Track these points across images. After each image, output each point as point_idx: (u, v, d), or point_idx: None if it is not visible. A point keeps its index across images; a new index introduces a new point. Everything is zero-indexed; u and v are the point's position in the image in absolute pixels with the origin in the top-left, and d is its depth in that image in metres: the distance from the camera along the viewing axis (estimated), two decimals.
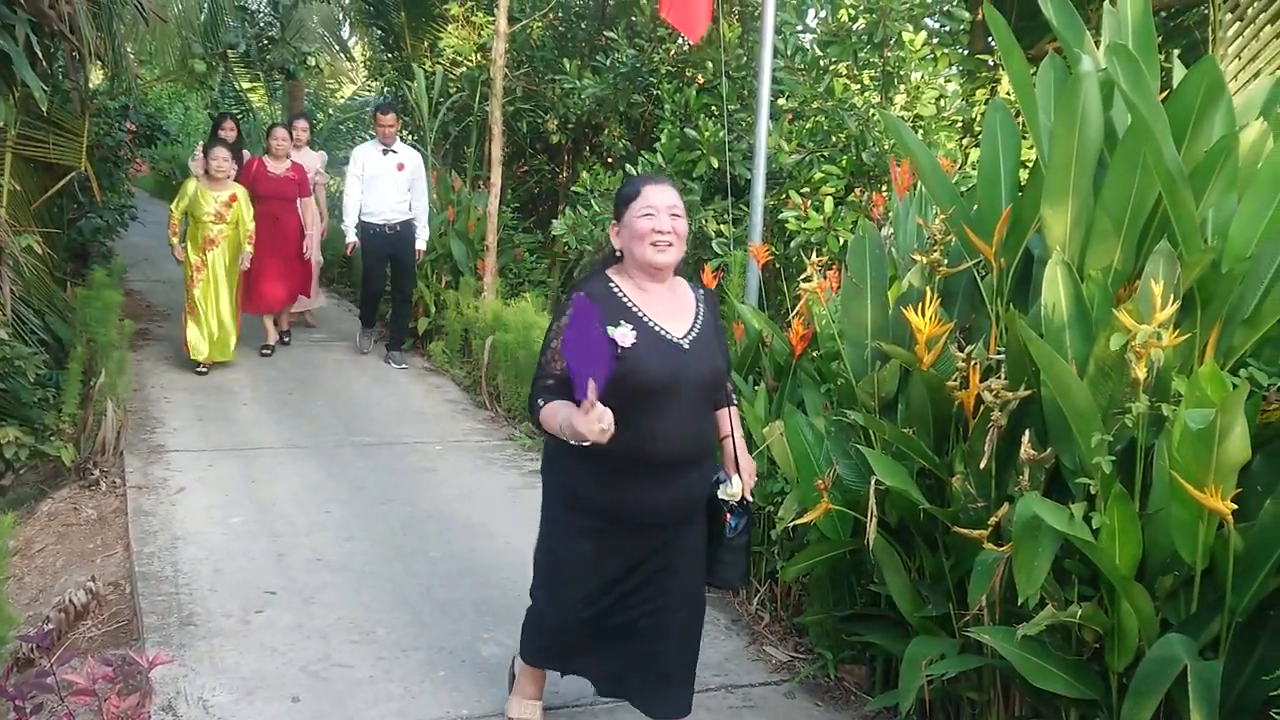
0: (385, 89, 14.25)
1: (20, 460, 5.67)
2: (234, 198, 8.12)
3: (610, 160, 10.28)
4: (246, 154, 9.53)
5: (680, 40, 8.98)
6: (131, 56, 11.05)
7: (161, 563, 4.78)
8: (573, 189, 9.08)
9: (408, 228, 8.84)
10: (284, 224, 8.85)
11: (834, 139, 7.34)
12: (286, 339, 9.34)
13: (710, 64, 8.56)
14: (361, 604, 4.52)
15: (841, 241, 6.47)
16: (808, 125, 7.45)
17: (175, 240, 8.16)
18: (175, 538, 5.05)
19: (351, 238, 8.78)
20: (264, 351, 8.92)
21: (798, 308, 4.45)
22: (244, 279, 8.45)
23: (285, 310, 9.33)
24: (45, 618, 4.37)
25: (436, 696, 3.84)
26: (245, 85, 19.21)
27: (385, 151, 8.72)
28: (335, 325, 10.38)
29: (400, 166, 8.73)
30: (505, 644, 4.25)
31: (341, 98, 19.70)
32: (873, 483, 3.38)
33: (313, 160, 9.63)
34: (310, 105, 16.86)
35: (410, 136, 11.88)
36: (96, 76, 11.28)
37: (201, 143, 9.47)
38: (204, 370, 8.13)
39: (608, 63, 9.36)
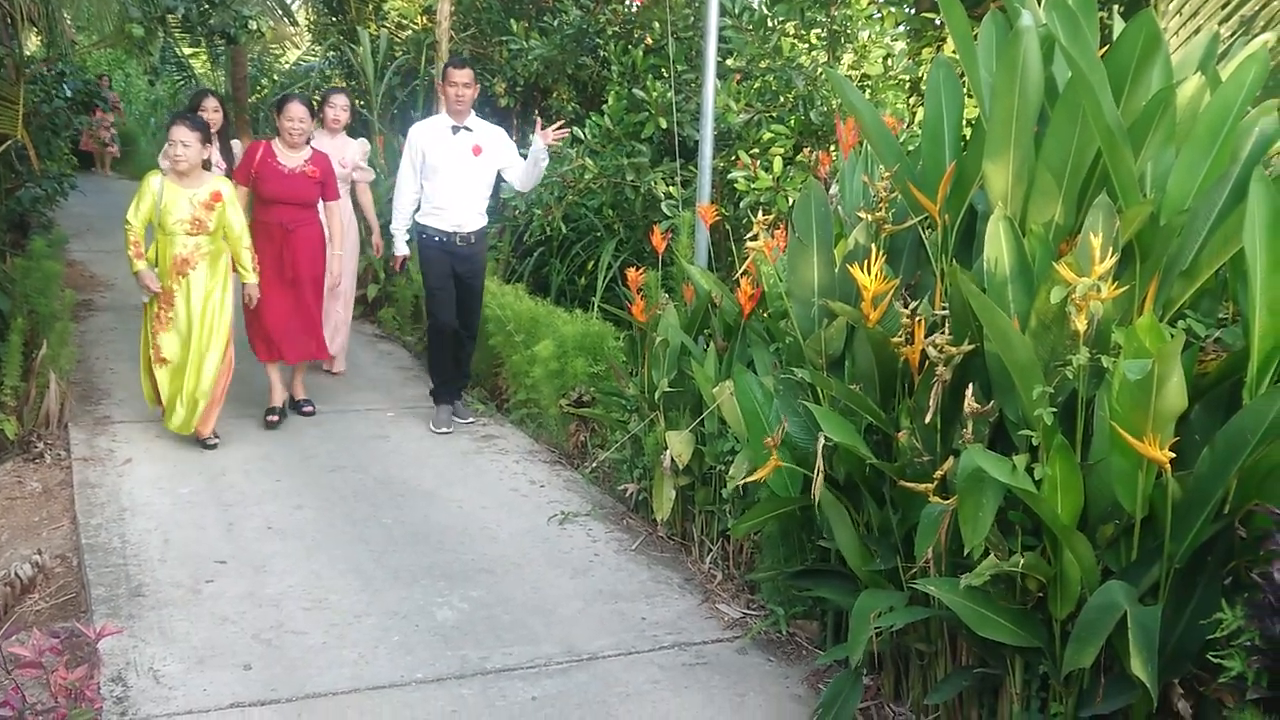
0: (329, 53, 14.05)
1: None
2: (216, 196, 5.70)
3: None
4: (236, 145, 7.25)
5: (627, 1, 8.92)
6: (68, 21, 10.81)
7: (109, 534, 4.73)
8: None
9: (482, 241, 6.50)
10: (300, 239, 6.29)
11: (782, 98, 7.34)
12: (309, 409, 6.63)
13: (657, 24, 8.51)
14: (313, 571, 4.51)
15: (791, 201, 6.48)
16: (756, 85, 7.44)
17: (140, 265, 5.67)
18: (123, 509, 5.00)
19: (401, 248, 6.51)
20: (270, 420, 6.35)
21: (745, 266, 4.46)
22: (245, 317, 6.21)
23: (301, 367, 6.72)
24: None
25: (390, 661, 3.84)
26: (186, 51, 18.86)
27: (456, 129, 6.27)
28: None
29: (477, 150, 6.28)
30: (459, 608, 4.26)
31: (286, 63, 19.38)
32: (821, 439, 3.42)
33: (351, 151, 7.22)
34: (254, 71, 16.60)
35: (356, 101, 11.73)
36: (32, 43, 11.04)
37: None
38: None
39: (555, 24, 9.28)
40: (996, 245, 3.18)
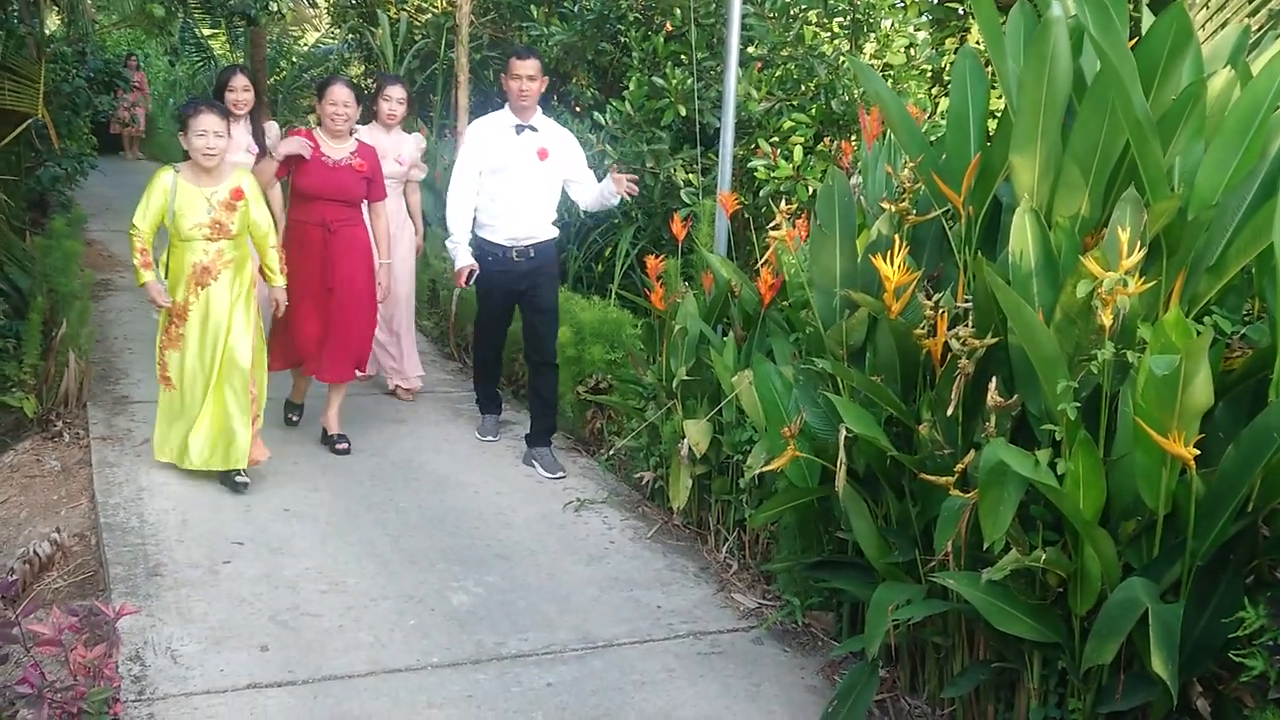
0: (349, 37, 14.04)
1: None
2: (238, 194, 4.94)
3: (579, 109, 10.20)
4: (271, 128, 6.59)
5: None
6: (88, 0, 10.82)
7: (127, 514, 4.75)
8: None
9: (548, 252, 5.67)
10: (343, 242, 5.53)
11: (803, 87, 7.31)
12: (343, 445, 5.69)
13: (679, 10, 8.47)
14: (329, 554, 4.52)
15: (810, 190, 6.46)
16: (777, 73, 7.41)
17: (148, 275, 4.90)
18: (141, 489, 5.01)
19: (465, 259, 5.56)
20: (290, 418, 5.99)
21: (766, 256, 4.44)
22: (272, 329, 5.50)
23: (339, 394, 5.80)
24: (9, 569, 4.33)
25: (406, 644, 3.85)
26: (206, 32, 18.85)
27: (520, 129, 5.53)
28: None
29: (543, 153, 5.53)
30: (474, 592, 4.26)
31: (305, 45, 19.38)
32: (841, 430, 3.40)
33: (409, 147, 6.54)
34: (273, 53, 16.60)
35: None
36: (53, 22, 11.05)
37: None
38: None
39: (575, 9, 9.26)
40: (1022, 238, 3.16)
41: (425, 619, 4.05)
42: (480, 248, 5.57)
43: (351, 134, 5.65)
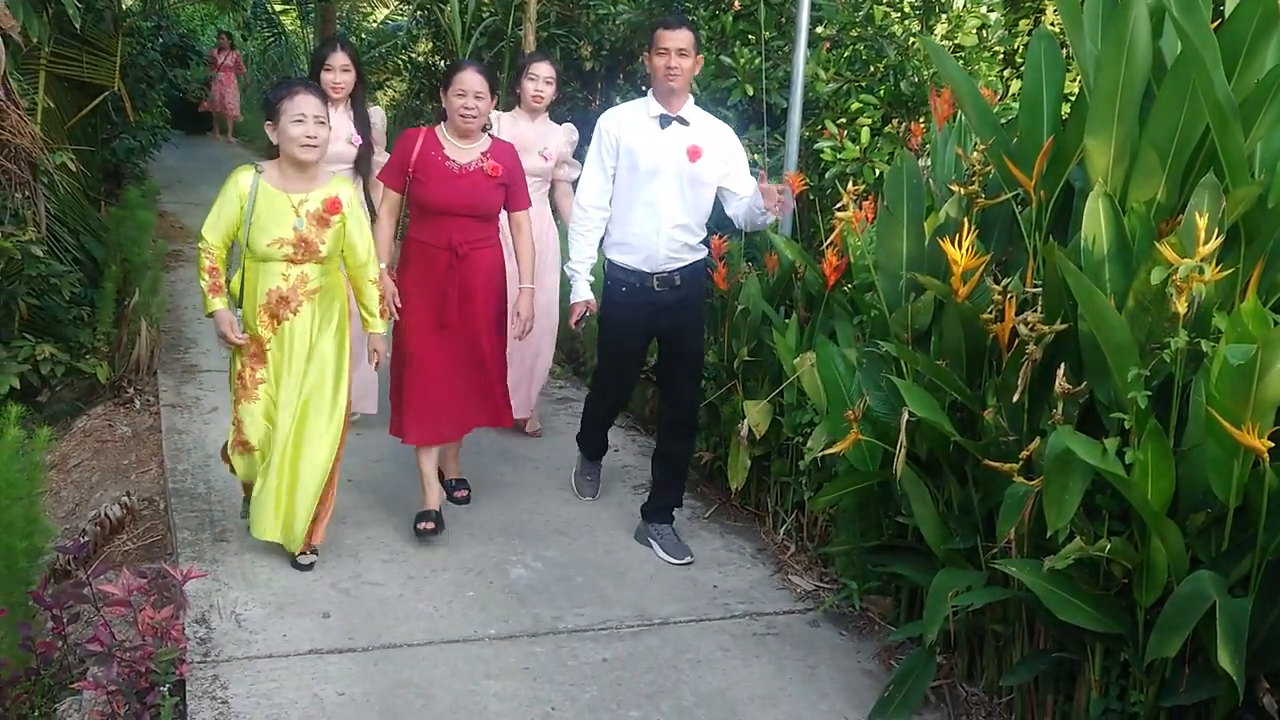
0: (418, 13, 14.11)
1: (56, 377, 5.75)
2: (334, 205, 3.92)
3: (645, 88, 10.18)
4: (376, 114, 5.35)
5: None
6: None
7: (195, 480, 4.84)
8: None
9: (695, 280, 4.46)
10: (475, 267, 4.37)
11: (872, 68, 7.22)
12: (462, 493, 4.82)
13: None
14: (391, 524, 4.57)
15: (877, 173, 6.39)
16: (846, 54, 7.32)
17: (217, 303, 3.93)
18: (208, 456, 5.10)
19: (583, 292, 4.45)
20: (421, 527, 4.38)
21: (831, 238, 4.40)
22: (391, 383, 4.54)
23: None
24: (81, 531, 4.45)
25: (465, 615, 3.89)
26: (278, 7, 19.06)
27: (665, 120, 4.36)
28: None
29: (695, 152, 4.31)
30: (533, 567, 4.30)
31: (374, 22, 19.51)
32: (904, 414, 3.37)
33: (556, 139, 5.47)
34: (342, 29, 16.74)
35: (444, 64, 11.78)
36: None
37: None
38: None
39: None
40: (1095, 223, 3.10)
41: (484, 591, 4.09)
42: (611, 271, 4.45)
43: (485, 130, 4.47)
